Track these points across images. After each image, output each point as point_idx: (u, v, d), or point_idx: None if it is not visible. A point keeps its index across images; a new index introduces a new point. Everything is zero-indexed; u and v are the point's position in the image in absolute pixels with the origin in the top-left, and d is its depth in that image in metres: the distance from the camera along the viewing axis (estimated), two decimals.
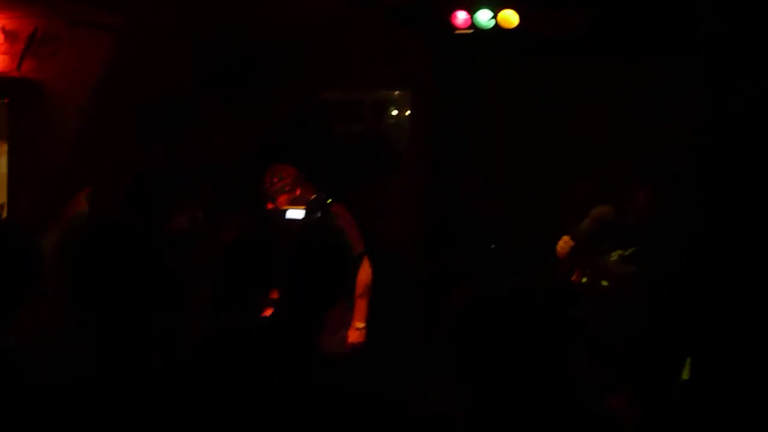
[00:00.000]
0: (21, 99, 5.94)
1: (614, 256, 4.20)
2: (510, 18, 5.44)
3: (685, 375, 3.66)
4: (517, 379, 1.89)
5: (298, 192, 4.39)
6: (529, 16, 5.38)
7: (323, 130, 6.24)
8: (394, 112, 6.28)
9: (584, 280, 4.19)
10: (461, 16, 5.57)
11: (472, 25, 5.60)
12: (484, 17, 5.48)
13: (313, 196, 4.36)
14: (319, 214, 4.06)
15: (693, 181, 4.78)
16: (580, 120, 5.61)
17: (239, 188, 5.44)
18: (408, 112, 6.31)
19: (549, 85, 5.78)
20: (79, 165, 5.61)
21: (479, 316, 1.97)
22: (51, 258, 2.28)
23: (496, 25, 5.47)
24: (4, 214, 6.05)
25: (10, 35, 6.00)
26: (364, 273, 4.26)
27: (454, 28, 5.66)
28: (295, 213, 4.15)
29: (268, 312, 2.57)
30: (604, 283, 4.15)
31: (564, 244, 4.15)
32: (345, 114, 6.32)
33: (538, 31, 5.39)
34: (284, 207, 4.28)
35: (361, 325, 4.21)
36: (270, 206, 4.40)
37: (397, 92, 6.23)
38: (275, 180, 4.41)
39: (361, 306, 4.22)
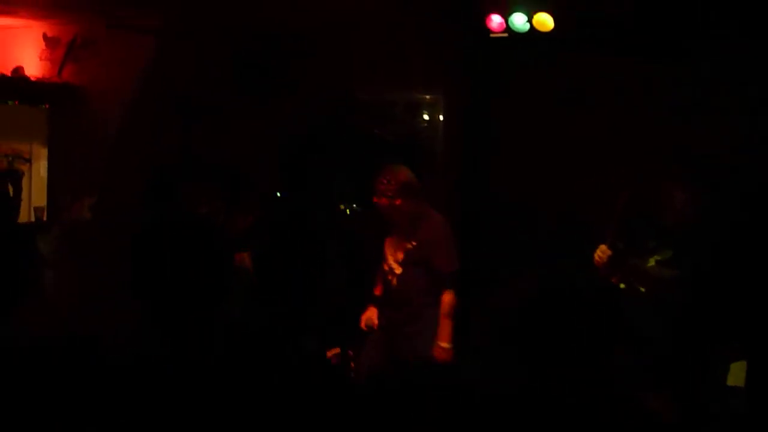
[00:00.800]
0: (61, 104, 6.06)
1: (651, 261, 4.16)
2: (545, 21, 5.41)
3: (731, 380, 3.60)
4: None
5: (398, 202, 4.15)
6: (563, 17, 5.34)
7: (355, 129, 6.27)
8: (427, 115, 6.29)
9: (622, 286, 4.15)
10: (496, 20, 5.55)
11: (507, 29, 5.59)
12: (519, 21, 5.46)
13: (414, 210, 4.18)
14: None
15: (735, 180, 4.71)
16: (613, 118, 5.56)
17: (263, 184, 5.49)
18: (441, 115, 6.30)
19: (582, 83, 5.74)
20: (118, 166, 5.70)
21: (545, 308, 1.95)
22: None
23: (532, 28, 5.45)
24: (44, 217, 6.16)
25: (51, 41, 6.14)
26: (450, 293, 4.11)
27: (488, 31, 5.66)
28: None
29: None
30: (642, 288, 4.10)
31: (601, 253, 4.09)
32: (378, 115, 6.34)
33: (572, 32, 5.37)
34: (382, 210, 4.16)
35: (445, 345, 4.05)
36: (375, 200, 4.26)
37: (430, 95, 6.24)
38: (384, 181, 4.19)
39: (445, 326, 4.07)
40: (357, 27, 5.87)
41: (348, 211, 3.91)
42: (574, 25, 5.40)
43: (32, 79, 6.01)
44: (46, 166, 6.21)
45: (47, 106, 6.06)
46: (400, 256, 4.17)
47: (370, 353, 4.21)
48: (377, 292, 4.35)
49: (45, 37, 6.14)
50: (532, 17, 5.41)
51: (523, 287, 5.47)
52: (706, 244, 4.10)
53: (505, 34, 5.63)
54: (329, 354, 3.06)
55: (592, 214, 5.07)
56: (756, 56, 4.98)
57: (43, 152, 6.30)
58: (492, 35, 5.70)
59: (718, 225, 4.21)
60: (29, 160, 6.09)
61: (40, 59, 6.14)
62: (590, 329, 4.71)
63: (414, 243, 4.15)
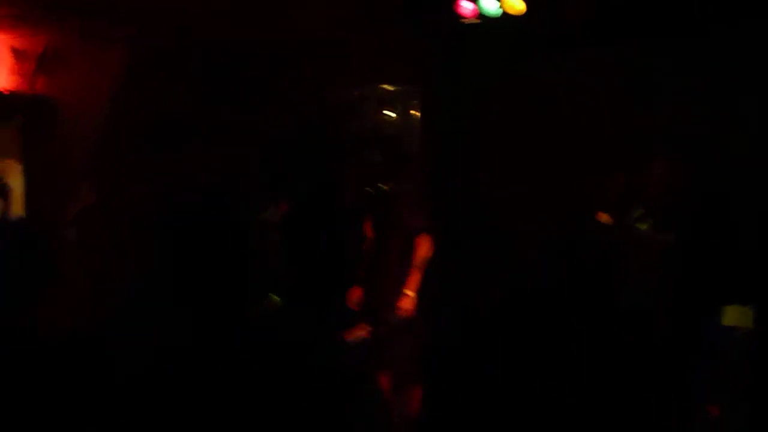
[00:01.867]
0: (34, 117, 5.97)
1: (644, 225, 4.28)
2: (515, 4, 5.49)
3: (726, 320, 3.71)
4: None
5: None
6: (536, 4, 5.42)
7: (329, 129, 6.31)
8: (403, 107, 6.33)
9: None
10: (467, 6, 5.62)
11: (480, 15, 5.64)
12: (489, 5, 5.52)
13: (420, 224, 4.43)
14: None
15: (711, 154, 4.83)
16: (591, 109, 5.63)
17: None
18: (415, 107, 6.34)
19: (558, 76, 5.80)
20: (93, 177, 5.66)
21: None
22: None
23: (504, 13, 5.51)
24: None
25: (20, 55, 6.03)
26: (425, 247, 4.38)
27: (460, 19, 5.71)
28: None
29: None
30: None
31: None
32: (353, 111, 6.37)
33: (545, 20, 5.45)
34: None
35: (411, 293, 4.30)
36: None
37: (405, 87, 6.28)
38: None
39: (415, 276, 4.33)
40: (327, 24, 5.92)
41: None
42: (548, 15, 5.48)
43: (3, 92, 5.91)
44: (22, 179, 6.11)
45: (20, 118, 5.95)
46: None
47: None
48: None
49: (13, 50, 6.04)
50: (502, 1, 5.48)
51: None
52: (687, 210, 4.24)
53: (478, 21, 5.69)
54: (347, 336, 3.12)
55: (576, 204, 5.19)
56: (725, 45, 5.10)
57: (17, 168, 6.20)
58: (464, 22, 5.76)
59: (698, 193, 4.35)
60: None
61: (10, 73, 6.04)
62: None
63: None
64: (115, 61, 5.68)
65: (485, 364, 4.89)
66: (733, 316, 3.72)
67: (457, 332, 5.25)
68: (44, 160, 5.97)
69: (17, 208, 6.15)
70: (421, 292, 4.29)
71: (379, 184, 4.05)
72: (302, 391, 1.91)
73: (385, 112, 6.36)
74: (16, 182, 6.20)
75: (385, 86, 6.33)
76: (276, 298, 2.19)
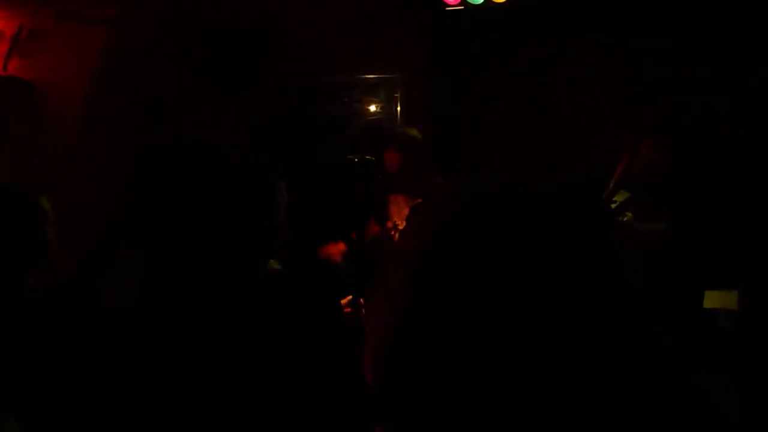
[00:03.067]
0: (10, 99, 5.83)
1: (629, 215, 4.26)
2: None
3: (707, 303, 3.72)
4: None
5: (409, 159, 4.52)
6: None
7: (315, 114, 6.26)
8: (388, 95, 6.28)
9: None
10: None
11: (463, 2, 5.64)
12: None
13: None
14: None
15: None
16: (579, 93, 5.63)
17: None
18: (400, 95, 6.30)
19: (544, 60, 5.79)
20: (76, 161, 5.55)
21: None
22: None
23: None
24: None
25: None
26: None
27: (444, 5, 5.70)
28: None
29: None
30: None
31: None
32: (336, 98, 6.33)
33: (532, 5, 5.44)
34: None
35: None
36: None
37: (390, 75, 6.23)
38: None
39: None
40: (311, 10, 5.86)
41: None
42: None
43: None
44: None
45: None
46: (405, 212, 4.21)
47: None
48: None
49: None
50: None
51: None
52: (683, 195, 4.23)
53: (461, 6, 5.68)
54: (343, 302, 3.10)
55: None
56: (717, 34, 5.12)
57: None
58: (447, 8, 5.74)
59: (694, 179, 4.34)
60: None
61: None
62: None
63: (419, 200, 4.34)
64: (94, 42, 5.56)
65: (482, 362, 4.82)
66: (715, 299, 3.73)
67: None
68: (19, 141, 5.84)
69: None
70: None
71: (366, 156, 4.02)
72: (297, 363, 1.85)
73: (369, 99, 6.31)
74: None
75: (370, 75, 6.28)
76: (275, 263, 2.14)
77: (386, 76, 6.25)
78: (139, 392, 1.88)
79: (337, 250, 4.26)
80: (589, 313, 1.44)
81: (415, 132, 4.72)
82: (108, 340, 1.96)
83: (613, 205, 4.23)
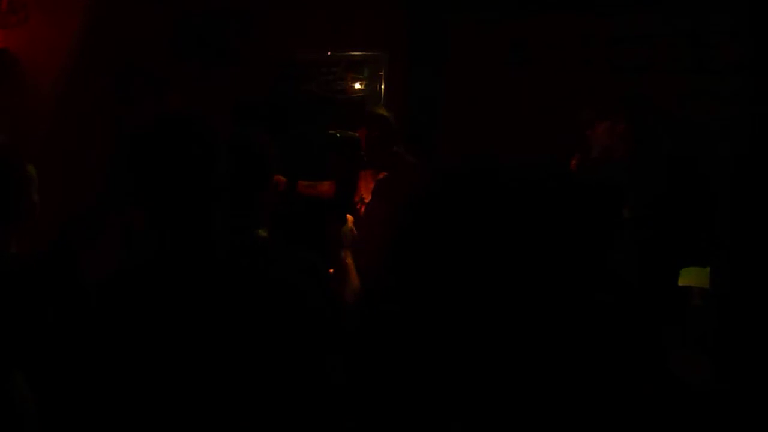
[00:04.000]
0: None
1: None
2: None
3: (682, 281, 3.76)
4: None
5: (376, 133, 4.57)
6: None
7: (297, 91, 6.25)
8: (372, 73, 6.28)
9: None
10: None
11: None
12: None
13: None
14: None
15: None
16: (556, 74, 5.66)
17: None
18: (385, 73, 6.30)
19: (523, 39, 5.81)
20: (57, 134, 5.52)
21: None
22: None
23: None
24: None
25: None
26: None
27: None
28: None
29: None
30: None
31: None
32: (319, 75, 6.32)
33: None
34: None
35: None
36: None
37: (373, 52, 6.23)
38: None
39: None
40: None
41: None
42: None
43: None
44: None
45: None
46: (371, 185, 4.28)
47: None
48: None
49: None
50: None
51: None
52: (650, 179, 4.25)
53: None
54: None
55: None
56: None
57: None
58: None
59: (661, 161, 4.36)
60: None
61: None
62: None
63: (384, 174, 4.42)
64: (74, 13, 5.53)
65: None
66: (691, 276, 3.75)
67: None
68: (2, 111, 5.80)
69: None
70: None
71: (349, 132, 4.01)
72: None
73: (353, 77, 6.31)
74: None
75: (354, 52, 6.27)
76: (263, 232, 2.16)
77: (371, 53, 6.24)
78: (125, 356, 1.90)
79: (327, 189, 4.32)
80: (563, 278, 1.47)
81: (382, 110, 4.77)
82: (91, 304, 1.98)
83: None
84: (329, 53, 6.23)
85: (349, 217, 3.54)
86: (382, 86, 6.25)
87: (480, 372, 1.41)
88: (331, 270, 2.96)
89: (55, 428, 2.02)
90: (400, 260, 1.50)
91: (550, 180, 1.50)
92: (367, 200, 4.47)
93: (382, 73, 6.22)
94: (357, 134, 3.90)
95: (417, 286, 1.44)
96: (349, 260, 3.14)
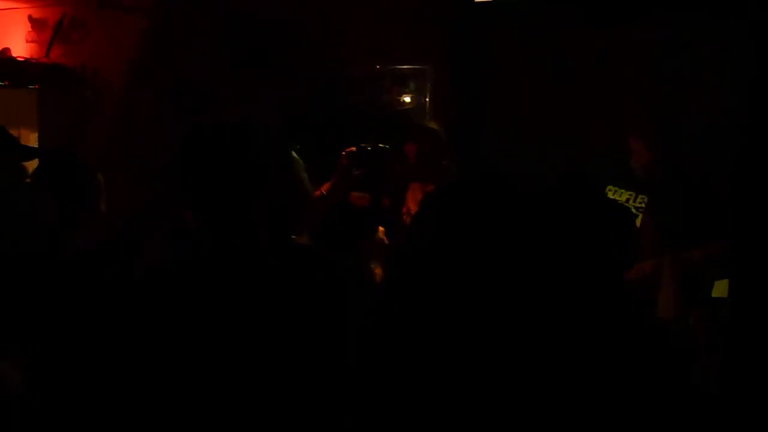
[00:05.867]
0: (51, 85, 6.04)
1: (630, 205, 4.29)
2: None
3: (715, 293, 3.75)
4: None
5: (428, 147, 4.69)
6: None
7: (345, 103, 6.37)
8: (417, 87, 6.38)
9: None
10: None
11: None
12: None
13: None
14: None
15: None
16: (601, 87, 5.66)
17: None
18: (429, 87, 6.39)
19: (567, 52, 5.84)
20: (116, 144, 5.75)
21: None
22: None
23: None
24: None
25: (37, 23, 6.12)
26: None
27: None
28: None
29: None
30: None
31: None
32: (366, 88, 6.43)
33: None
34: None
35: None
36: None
37: (419, 66, 6.33)
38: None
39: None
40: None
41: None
42: None
43: (20, 60, 5.98)
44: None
45: (36, 87, 6.02)
46: (419, 196, 4.39)
47: None
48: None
49: (31, 18, 6.13)
50: None
51: None
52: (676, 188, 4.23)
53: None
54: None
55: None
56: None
57: (33, 136, 6.27)
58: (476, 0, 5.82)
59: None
60: None
61: (27, 41, 6.13)
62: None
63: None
64: (132, 30, 5.76)
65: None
66: (722, 288, 3.74)
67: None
68: (60, 127, 6.05)
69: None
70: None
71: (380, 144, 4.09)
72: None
73: (399, 90, 6.41)
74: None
75: (400, 66, 6.38)
76: (304, 238, 2.29)
77: (417, 67, 6.34)
78: (169, 343, 2.04)
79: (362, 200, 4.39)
80: (572, 282, 1.52)
81: (432, 123, 4.86)
82: (143, 299, 2.13)
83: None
84: (377, 66, 6.36)
85: (380, 228, 3.62)
86: (428, 99, 6.35)
87: (483, 374, 1.47)
88: None
89: (101, 410, 2.15)
90: (412, 268, 1.58)
91: (555, 195, 1.57)
92: (413, 212, 4.55)
93: (428, 86, 6.33)
94: (388, 147, 3.99)
95: (425, 290, 1.50)
96: (378, 271, 3.22)
